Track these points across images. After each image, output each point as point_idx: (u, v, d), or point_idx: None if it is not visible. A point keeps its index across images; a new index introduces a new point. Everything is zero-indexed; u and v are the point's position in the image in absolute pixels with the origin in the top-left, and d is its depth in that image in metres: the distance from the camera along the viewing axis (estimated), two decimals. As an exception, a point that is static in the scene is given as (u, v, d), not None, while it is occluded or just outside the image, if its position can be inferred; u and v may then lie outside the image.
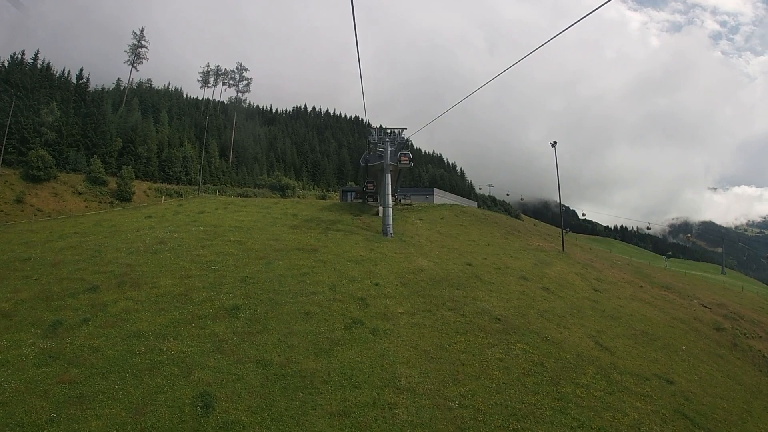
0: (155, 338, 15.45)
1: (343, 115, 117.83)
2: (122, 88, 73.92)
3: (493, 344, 17.23)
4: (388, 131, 36.90)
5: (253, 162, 72.40)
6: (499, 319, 19.59)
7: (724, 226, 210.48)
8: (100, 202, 43.53)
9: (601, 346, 21.14)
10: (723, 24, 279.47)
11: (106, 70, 75.50)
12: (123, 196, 44.63)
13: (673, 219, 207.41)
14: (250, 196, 60.39)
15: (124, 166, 46.82)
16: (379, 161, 37.93)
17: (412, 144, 40.05)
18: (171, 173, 56.66)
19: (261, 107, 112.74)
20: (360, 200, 50.36)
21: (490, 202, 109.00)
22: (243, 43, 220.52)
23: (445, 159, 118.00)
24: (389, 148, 35.43)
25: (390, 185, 35.50)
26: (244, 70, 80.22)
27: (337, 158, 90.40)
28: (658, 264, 73.11)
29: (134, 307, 17.90)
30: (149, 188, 50.04)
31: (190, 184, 57.48)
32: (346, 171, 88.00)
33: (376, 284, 20.67)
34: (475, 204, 75.68)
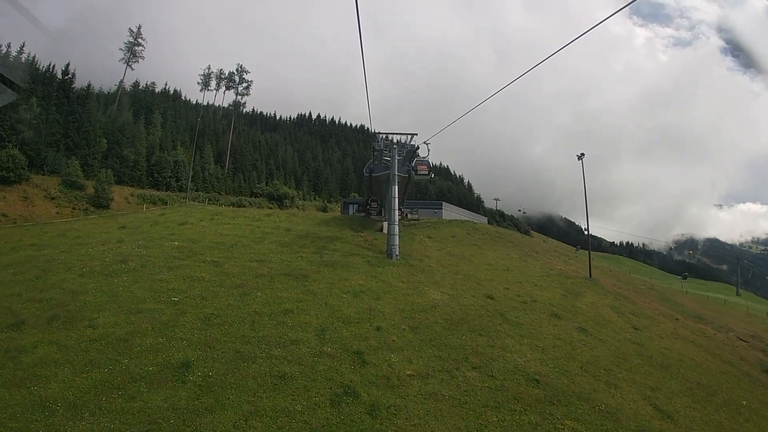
0: (65, 412, 10.90)
1: (349, 124, 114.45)
2: (126, 89, 70.48)
3: (535, 424, 12.57)
4: (395, 140, 32.26)
5: (251, 169, 68.22)
6: (537, 381, 14.92)
7: (729, 243, 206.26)
8: (73, 209, 39.24)
9: (661, 411, 16.54)
10: (728, 41, 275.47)
11: (116, 74, 71.46)
12: (100, 203, 40.27)
13: (678, 235, 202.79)
14: (245, 206, 56.09)
15: (103, 170, 42.56)
16: (385, 171, 33.55)
17: (429, 150, 34.86)
18: (160, 178, 52.49)
19: (265, 114, 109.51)
20: (363, 213, 46.04)
21: (498, 217, 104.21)
22: (251, 50, 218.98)
23: (452, 171, 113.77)
24: (397, 157, 30.96)
25: (396, 199, 30.99)
26: (245, 72, 76.43)
27: (340, 167, 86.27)
28: (674, 284, 69.35)
29: (54, 357, 13.35)
30: (131, 194, 45.72)
31: (180, 191, 53.25)
32: (349, 181, 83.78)
33: (378, 329, 16.02)
34: (485, 219, 71.08)
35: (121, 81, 70.46)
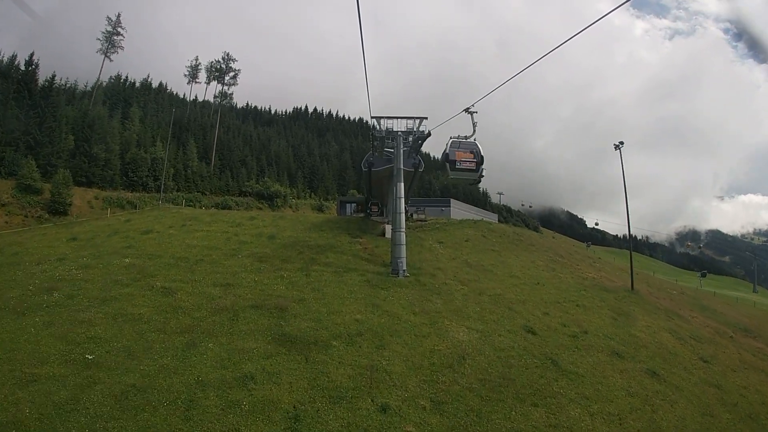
0: None
1: (347, 117, 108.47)
2: (111, 82, 64.89)
3: None
4: (399, 131, 25.76)
5: (239, 166, 62.53)
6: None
7: (731, 234, 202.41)
8: (26, 216, 33.72)
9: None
10: (726, 31, 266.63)
11: (107, 69, 65.66)
12: (56, 209, 34.70)
13: (680, 227, 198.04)
14: (230, 207, 50.59)
15: (61, 170, 36.90)
16: (387, 165, 27.99)
17: (475, 126, 21.85)
18: (135, 178, 46.94)
19: (259, 108, 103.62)
20: (362, 214, 40.61)
21: (506, 213, 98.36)
22: (251, 48, 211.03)
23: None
24: (401, 147, 25.30)
25: (402, 199, 25.42)
26: (232, 60, 70.23)
27: (338, 163, 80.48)
28: (691, 282, 64.55)
29: None
30: (96, 197, 40.14)
31: (158, 192, 47.73)
32: (347, 177, 78.06)
33: (384, 409, 10.55)
34: (495, 217, 65.59)
35: (109, 76, 65.01)
